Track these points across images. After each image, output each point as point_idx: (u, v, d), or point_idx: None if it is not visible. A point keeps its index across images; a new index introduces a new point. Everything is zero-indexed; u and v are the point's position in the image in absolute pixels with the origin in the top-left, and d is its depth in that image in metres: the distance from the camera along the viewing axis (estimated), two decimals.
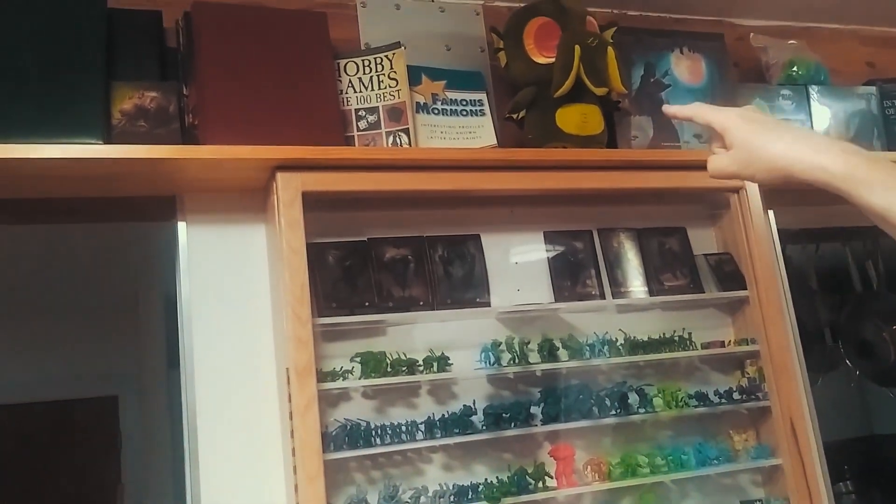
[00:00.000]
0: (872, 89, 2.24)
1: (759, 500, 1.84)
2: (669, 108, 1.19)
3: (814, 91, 2.15)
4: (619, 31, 1.90)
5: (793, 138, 1.01)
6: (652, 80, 2.00)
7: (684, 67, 2.03)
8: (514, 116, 1.87)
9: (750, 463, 1.85)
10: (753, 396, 1.87)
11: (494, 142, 1.83)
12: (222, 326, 1.67)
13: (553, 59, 1.77)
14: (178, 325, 1.68)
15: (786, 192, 2.03)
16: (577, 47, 1.73)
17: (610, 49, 1.77)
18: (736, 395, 1.88)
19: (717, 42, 2.08)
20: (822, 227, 2.48)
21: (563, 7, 1.80)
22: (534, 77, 1.81)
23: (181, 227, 1.67)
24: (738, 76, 2.12)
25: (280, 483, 1.59)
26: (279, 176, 1.57)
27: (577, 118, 1.79)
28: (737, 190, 1.92)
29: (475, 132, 1.84)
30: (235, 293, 1.69)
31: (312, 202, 1.59)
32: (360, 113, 1.76)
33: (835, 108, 2.17)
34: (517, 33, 1.82)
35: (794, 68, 2.16)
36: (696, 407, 1.84)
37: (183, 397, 1.66)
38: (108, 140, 1.46)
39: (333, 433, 1.58)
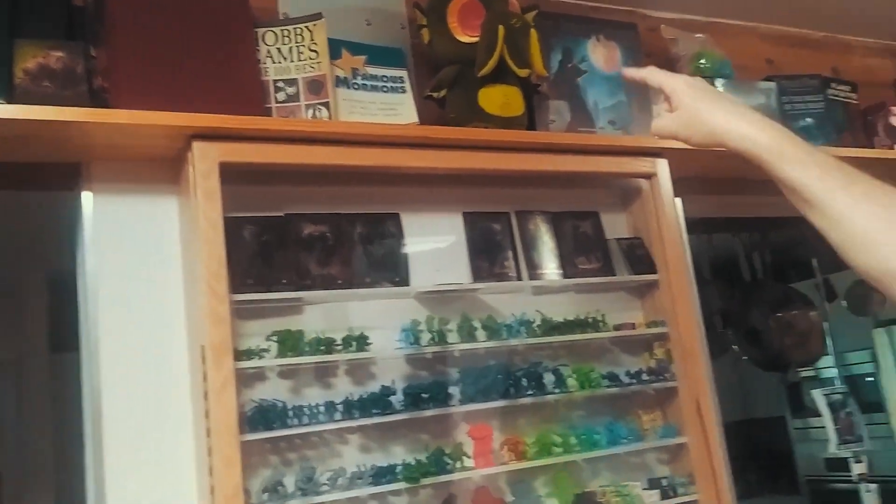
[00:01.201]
0: (772, 85, 2.34)
1: (665, 478, 1.90)
2: (628, 71, 1.28)
3: (719, 84, 2.23)
4: (538, 15, 1.91)
5: (731, 110, 1.08)
6: (570, 65, 2.02)
7: (600, 55, 2.06)
8: (435, 95, 1.85)
9: (657, 442, 1.91)
10: (661, 377, 1.93)
11: (415, 119, 1.81)
12: (129, 303, 1.58)
13: (476, 38, 1.76)
14: (80, 303, 1.58)
15: (694, 181, 2.10)
16: (501, 27, 1.73)
17: (533, 31, 1.78)
18: (645, 377, 1.93)
19: (631, 32, 2.13)
20: (715, 218, 2.58)
21: None
22: (457, 55, 1.80)
23: (86, 196, 1.57)
24: (648, 65, 2.16)
25: (191, 466, 1.52)
26: (195, 145, 1.50)
27: (499, 99, 1.79)
28: (649, 176, 1.97)
29: (396, 109, 1.81)
30: (144, 268, 1.60)
31: (227, 175, 1.52)
32: (278, 84, 1.70)
33: None
34: (441, 10, 1.81)
35: (702, 61, 2.23)
36: (608, 387, 1.88)
37: (84, 380, 1.57)
38: (10, 100, 1.36)
39: (249, 414, 1.53)
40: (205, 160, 1.50)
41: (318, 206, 1.74)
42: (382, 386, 1.68)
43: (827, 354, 3.95)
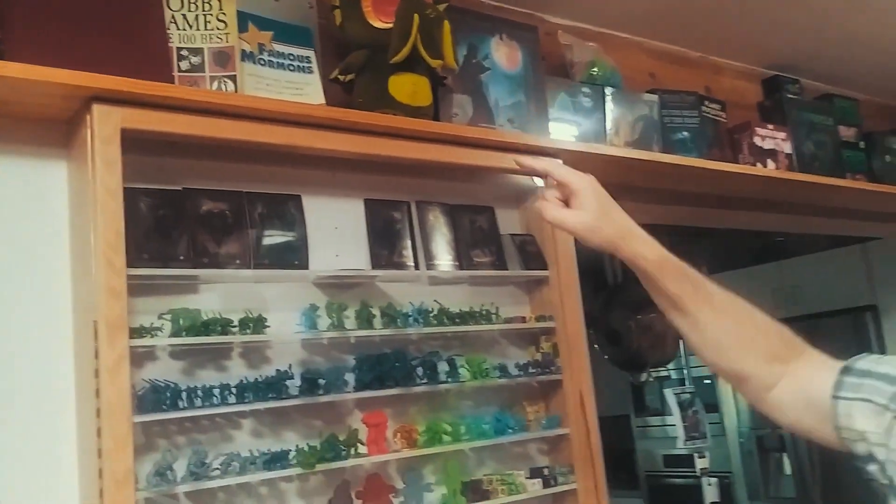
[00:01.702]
0: (655, 98, 2.47)
1: (547, 467, 1.96)
2: (526, 160, 1.38)
3: (609, 92, 2.33)
4: (447, 8, 1.92)
5: (626, 225, 1.20)
6: (474, 61, 2.05)
7: (503, 53, 2.10)
8: (342, 78, 1.83)
9: (541, 432, 1.97)
10: (547, 370, 1.99)
11: (322, 101, 1.78)
12: (7, 275, 1.46)
13: (390, 25, 1.76)
14: None
15: None
16: (416, 16, 1.73)
17: (446, 23, 1.80)
18: (532, 369, 1.98)
19: (532, 34, 2.18)
20: None
21: None
22: (368, 40, 1.78)
23: None
24: (546, 69, 2.23)
25: (72, 449, 1.43)
26: (96, 108, 1.41)
27: (409, 88, 1.79)
28: (545, 176, 2.02)
29: (302, 89, 1.78)
30: (25, 237, 1.49)
31: (123, 143, 1.44)
32: (182, 52, 1.63)
33: (624, 111, 2.37)
34: None
35: (595, 69, 2.32)
36: (498, 378, 1.92)
37: None
38: None
39: (140, 394, 1.45)
40: (106, 125, 1.41)
41: (218, 183, 1.68)
42: (278, 370, 1.64)
43: (679, 357, 4.20)
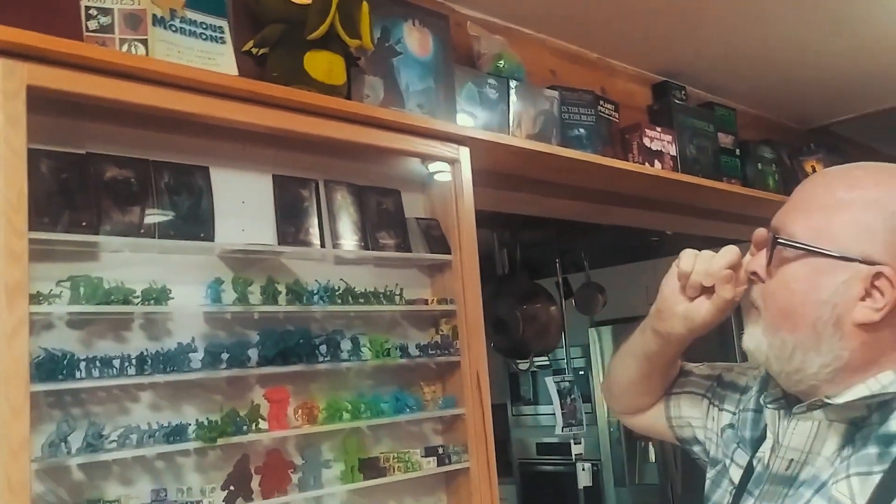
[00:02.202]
0: (556, 94, 2.55)
1: (441, 446, 2.01)
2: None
3: (513, 86, 2.39)
4: None
5: None
6: (387, 44, 2.06)
7: (415, 39, 2.13)
8: (255, 51, 1.81)
9: (437, 412, 2.02)
10: (446, 352, 2.03)
11: (235, 72, 1.75)
12: None
13: (309, 1, 1.75)
14: None
15: (492, 174, 2.25)
16: None
17: (365, 4, 1.80)
18: (431, 350, 2.03)
19: (444, 22, 2.22)
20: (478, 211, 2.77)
21: None
22: (285, 15, 1.77)
23: None
24: (454, 58, 2.27)
25: None
26: (1, 62, 1.34)
27: (324, 65, 1.79)
28: (452, 162, 2.07)
29: (214, 59, 1.74)
30: None
31: (28, 101, 1.38)
32: (90, 12, 1.56)
33: (526, 104, 2.44)
34: None
35: (501, 62, 2.37)
36: (399, 358, 1.95)
37: None
38: None
39: (36, 363, 1.40)
40: (11, 80, 1.35)
41: (124, 149, 1.63)
42: (180, 343, 1.61)
43: (561, 347, 4.36)
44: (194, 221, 1.70)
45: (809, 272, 0.96)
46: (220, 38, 1.78)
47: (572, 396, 3.85)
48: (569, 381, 3.85)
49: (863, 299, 0.93)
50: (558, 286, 4.31)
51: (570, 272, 4.56)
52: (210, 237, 1.71)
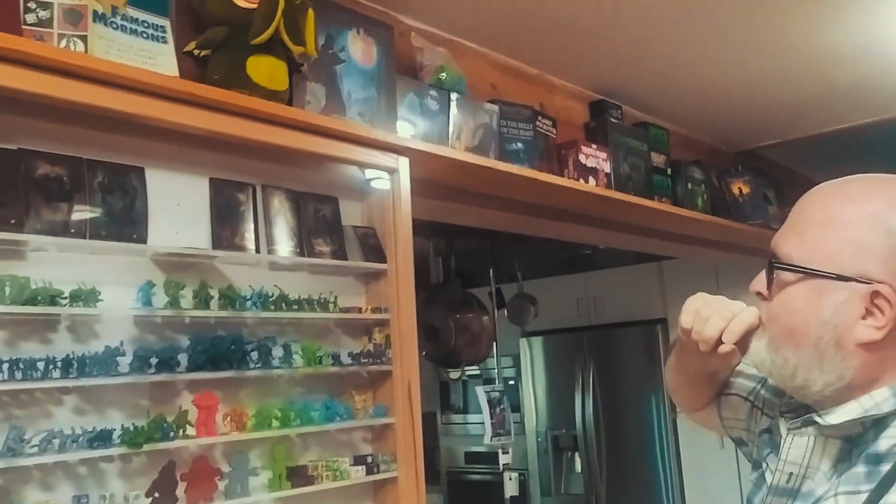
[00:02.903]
0: (495, 108, 2.59)
1: (370, 455, 2.01)
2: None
3: (454, 98, 2.42)
4: None
5: None
6: (330, 51, 2.06)
7: (359, 48, 2.14)
8: (197, 53, 1.79)
9: (368, 421, 2.02)
10: (378, 360, 2.04)
11: (176, 73, 1.73)
12: None
13: (254, 5, 1.74)
14: None
15: (430, 184, 2.26)
16: (281, 0, 1.73)
17: (310, 10, 1.80)
18: (363, 359, 2.03)
19: (388, 32, 2.23)
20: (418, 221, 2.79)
21: None
22: (229, 17, 1.76)
23: None
24: (397, 68, 2.28)
25: None
26: None
27: (267, 70, 1.78)
28: (391, 171, 2.08)
29: (155, 59, 1.72)
30: None
31: None
32: (29, 5, 1.53)
33: (466, 117, 2.47)
34: None
35: (443, 74, 2.40)
36: (331, 366, 1.95)
37: None
38: None
39: None
40: None
41: (58, 146, 1.60)
42: (107, 346, 1.58)
43: (492, 356, 4.40)
44: (127, 222, 1.67)
45: (809, 293, 0.96)
46: (162, 37, 1.76)
47: (502, 406, 3.89)
48: (499, 391, 3.89)
49: (864, 318, 0.93)
50: (491, 296, 4.35)
51: (503, 282, 4.62)
52: (143, 239, 1.69)
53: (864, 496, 0.89)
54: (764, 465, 1.11)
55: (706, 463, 4.79)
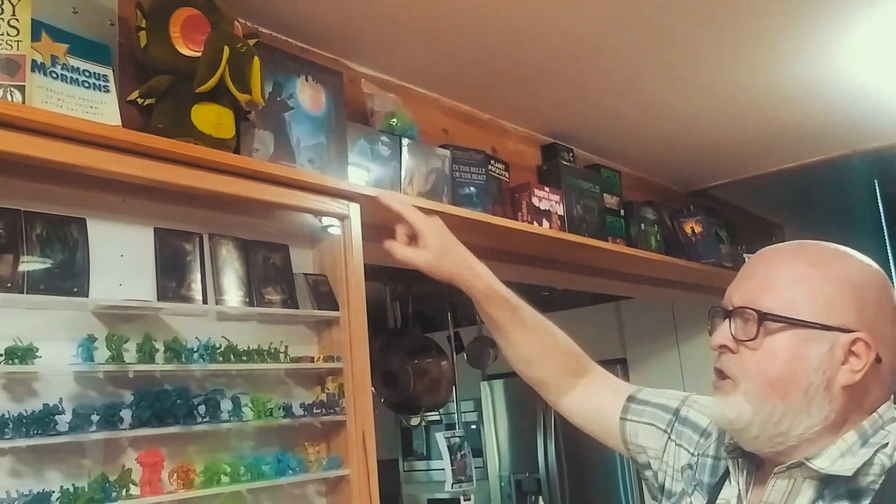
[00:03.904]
0: (447, 153, 2.59)
1: None
2: (386, 198, 1.52)
3: (405, 143, 2.42)
4: (256, 44, 1.92)
5: (463, 261, 1.43)
6: (278, 98, 2.06)
7: (307, 94, 2.13)
8: (141, 101, 1.76)
9: (321, 473, 1.97)
10: (332, 410, 2.00)
11: (118, 122, 1.70)
12: None
13: (198, 53, 1.73)
14: None
15: (382, 229, 2.24)
16: (226, 48, 1.72)
17: (256, 59, 1.79)
18: (316, 410, 1.98)
19: (337, 79, 2.23)
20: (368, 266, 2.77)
21: (215, 5, 1.78)
22: (173, 66, 1.74)
23: None
24: (347, 114, 2.28)
25: None
26: None
27: (212, 118, 1.76)
28: (342, 218, 2.06)
29: (97, 108, 1.69)
30: None
31: None
32: None
33: (419, 162, 2.47)
34: (163, 17, 1.74)
35: (394, 120, 2.40)
36: (283, 417, 1.90)
37: None
38: None
39: None
40: None
41: None
42: (45, 404, 1.52)
43: (452, 401, 4.35)
44: (67, 275, 1.63)
45: (795, 343, 1.03)
46: (105, 86, 1.73)
47: (463, 452, 3.83)
48: (459, 437, 3.84)
49: (843, 363, 1.02)
50: (450, 340, 4.32)
51: (462, 326, 4.59)
52: (84, 292, 1.64)
53: None
54: (688, 498, 1.19)
55: None
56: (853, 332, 1.02)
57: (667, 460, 1.28)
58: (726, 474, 1.15)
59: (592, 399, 1.44)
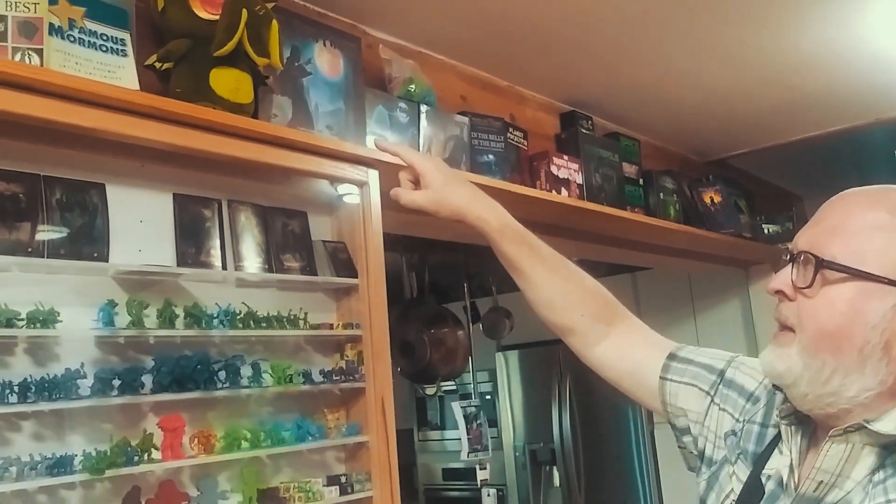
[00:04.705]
0: (466, 120, 2.57)
1: (343, 475, 1.96)
2: (382, 143, 1.49)
3: (424, 110, 2.39)
4: (274, 8, 1.90)
5: (471, 194, 1.35)
6: (296, 64, 2.03)
7: (325, 60, 2.11)
8: (159, 66, 1.75)
9: (340, 440, 1.97)
10: (351, 378, 2.00)
11: (136, 86, 1.69)
12: None
13: (216, 17, 1.71)
14: None
15: (385, 196, 2.22)
16: (244, 11, 1.69)
17: (274, 22, 1.77)
18: (336, 376, 1.98)
19: (355, 44, 2.20)
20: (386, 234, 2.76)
21: None
22: (191, 30, 1.72)
23: None
24: (365, 80, 2.25)
25: None
26: None
27: (231, 83, 1.74)
28: (361, 185, 2.05)
29: (115, 73, 1.68)
30: None
31: None
32: None
33: (437, 129, 2.45)
34: None
35: (412, 86, 2.37)
36: (303, 384, 1.90)
37: None
38: None
39: None
40: None
41: (13, 163, 1.55)
42: (67, 369, 1.53)
43: (468, 371, 4.36)
44: (87, 240, 1.62)
45: (855, 295, 0.94)
46: (122, 50, 1.72)
47: (478, 421, 3.84)
48: (475, 406, 3.85)
49: None
50: (466, 310, 4.32)
51: (477, 296, 4.58)
52: (104, 257, 1.64)
53: None
54: (729, 467, 1.10)
55: (685, 475, 4.76)
56: None
57: (708, 425, 1.18)
58: (774, 443, 1.06)
59: (629, 353, 1.31)
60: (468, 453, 3.78)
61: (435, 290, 4.26)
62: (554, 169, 2.89)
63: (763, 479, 1.04)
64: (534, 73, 2.93)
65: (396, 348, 3.85)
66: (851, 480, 0.94)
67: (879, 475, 0.93)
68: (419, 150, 2.32)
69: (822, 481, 0.96)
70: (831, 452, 0.96)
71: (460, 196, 1.34)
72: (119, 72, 1.69)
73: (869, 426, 0.93)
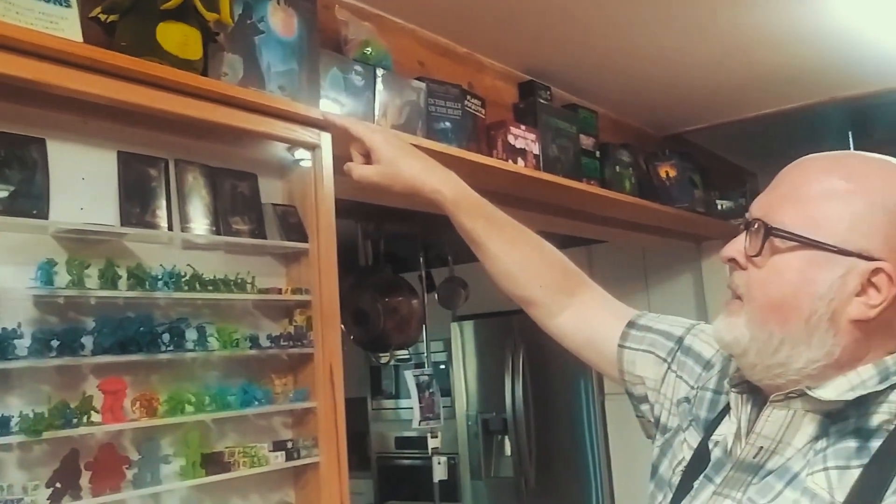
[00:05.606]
0: (423, 85, 2.53)
1: (290, 441, 1.95)
2: (331, 116, 1.52)
3: (380, 74, 2.36)
4: None
5: (423, 166, 1.33)
6: (248, 21, 1.98)
7: (279, 19, 2.05)
8: (104, 18, 1.69)
9: (287, 405, 1.95)
10: (299, 343, 1.97)
11: (80, 38, 1.63)
12: None
13: None
14: None
15: (339, 161, 2.20)
16: None
17: None
18: (283, 342, 1.96)
19: (311, 4, 2.15)
20: (342, 201, 2.73)
21: None
22: None
23: None
24: (320, 42, 2.21)
25: None
26: None
27: (178, 37, 1.69)
28: (313, 147, 2.01)
29: (57, 23, 1.61)
30: None
31: None
32: None
33: (393, 94, 2.41)
34: None
35: (369, 49, 2.33)
36: (249, 349, 1.88)
37: None
38: None
39: None
40: None
41: None
42: (3, 328, 1.48)
43: (422, 341, 4.36)
44: (26, 197, 1.57)
45: (804, 264, 0.93)
46: (65, 1, 1.65)
47: (431, 390, 3.86)
48: (428, 375, 3.86)
49: (858, 295, 0.91)
50: (421, 280, 4.31)
51: (434, 266, 4.58)
52: (44, 215, 1.58)
53: (857, 471, 0.88)
54: (681, 434, 1.09)
55: (634, 445, 4.84)
56: (876, 260, 0.90)
57: (664, 392, 1.17)
58: (725, 411, 1.05)
59: (588, 323, 1.30)
60: (420, 422, 3.79)
61: (391, 260, 4.25)
62: (511, 138, 2.88)
63: (710, 446, 1.04)
64: (493, 41, 2.90)
65: (350, 316, 3.84)
66: (792, 447, 0.94)
67: (821, 443, 0.92)
68: (374, 115, 2.29)
69: (762, 447, 0.95)
70: (772, 418, 0.95)
71: (413, 169, 1.32)
72: (62, 22, 1.62)
73: (810, 392, 0.92)
